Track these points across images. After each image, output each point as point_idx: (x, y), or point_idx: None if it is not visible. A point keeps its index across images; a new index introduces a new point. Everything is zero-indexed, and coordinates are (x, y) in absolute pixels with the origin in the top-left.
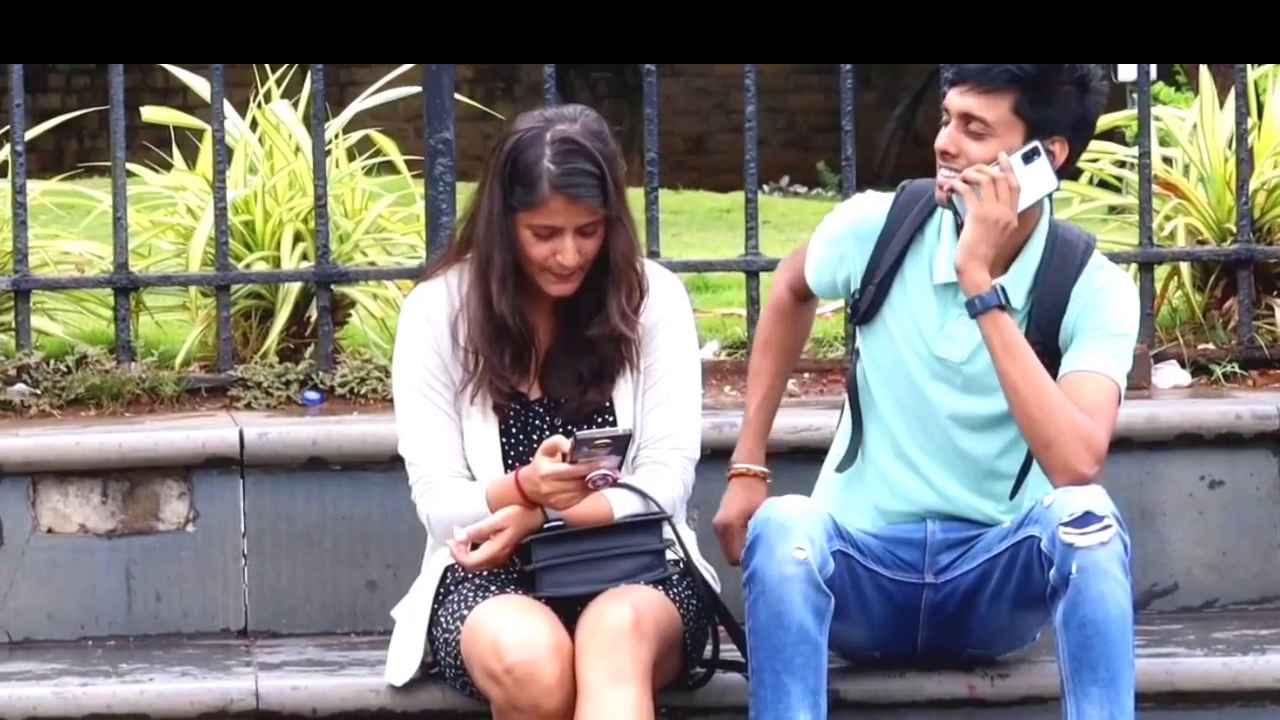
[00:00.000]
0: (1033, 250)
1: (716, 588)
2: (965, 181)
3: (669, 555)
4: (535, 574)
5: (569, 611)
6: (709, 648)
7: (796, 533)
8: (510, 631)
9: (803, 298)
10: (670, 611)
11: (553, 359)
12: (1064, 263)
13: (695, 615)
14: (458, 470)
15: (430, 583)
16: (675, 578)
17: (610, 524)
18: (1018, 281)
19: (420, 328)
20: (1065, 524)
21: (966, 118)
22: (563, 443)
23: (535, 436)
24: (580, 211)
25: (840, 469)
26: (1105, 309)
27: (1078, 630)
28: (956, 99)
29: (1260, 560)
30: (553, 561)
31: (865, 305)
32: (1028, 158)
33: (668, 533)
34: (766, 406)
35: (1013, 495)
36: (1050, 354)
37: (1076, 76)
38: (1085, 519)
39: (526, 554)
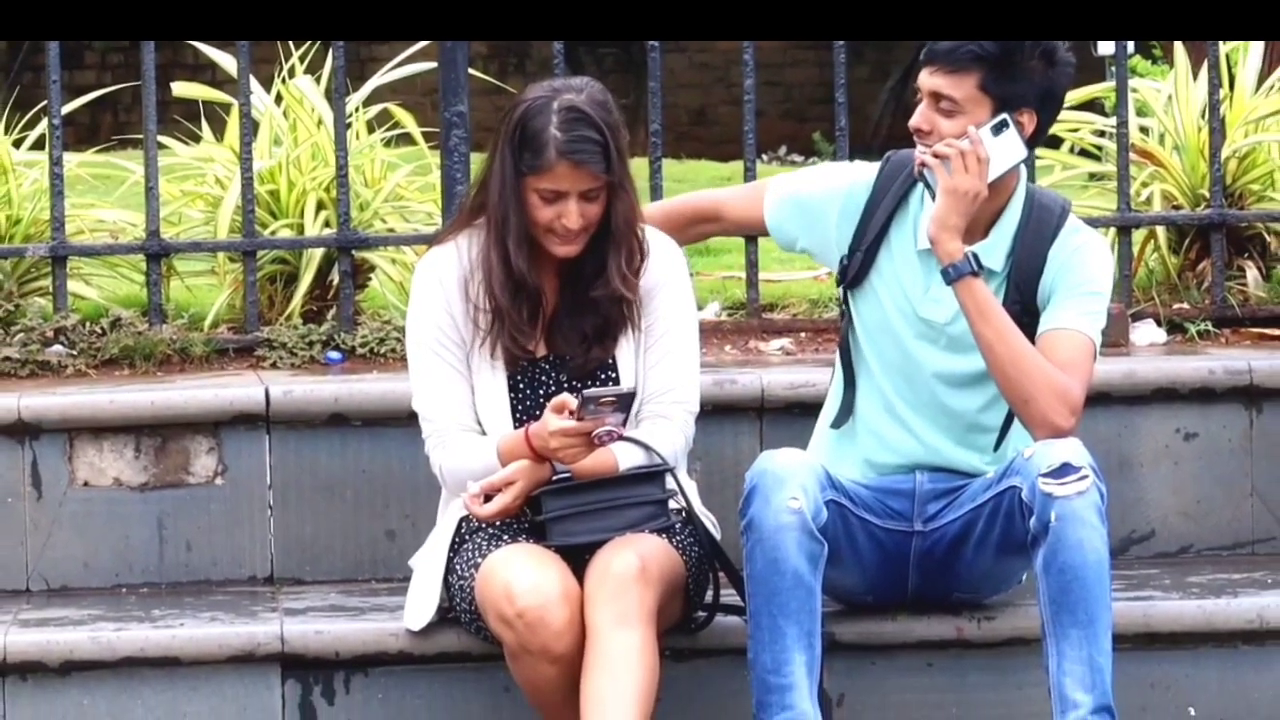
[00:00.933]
0: (1010, 215)
1: (717, 535)
2: (936, 156)
3: (672, 505)
4: (546, 524)
5: (577, 559)
6: (710, 593)
7: (791, 484)
8: (522, 578)
9: (711, 220)
10: (674, 558)
11: (558, 319)
12: (1041, 226)
13: (697, 561)
14: (469, 425)
15: (446, 533)
16: (678, 526)
17: (616, 476)
18: (997, 245)
19: (433, 289)
20: (1044, 475)
21: (936, 96)
22: (570, 400)
23: (542, 392)
24: (584, 177)
25: (835, 425)
26: (1080, 269)
27: (1057, 575)
28: (927, 79)
29: (1232, 508)
30: (562, 512)
31: (854, 271)
32: (996, 130)
33: (670, 483)
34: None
35: (996, 447)
36: (1029, 313)
37: (1041, 51)
38: (1063, 470)
39: (537, 505)
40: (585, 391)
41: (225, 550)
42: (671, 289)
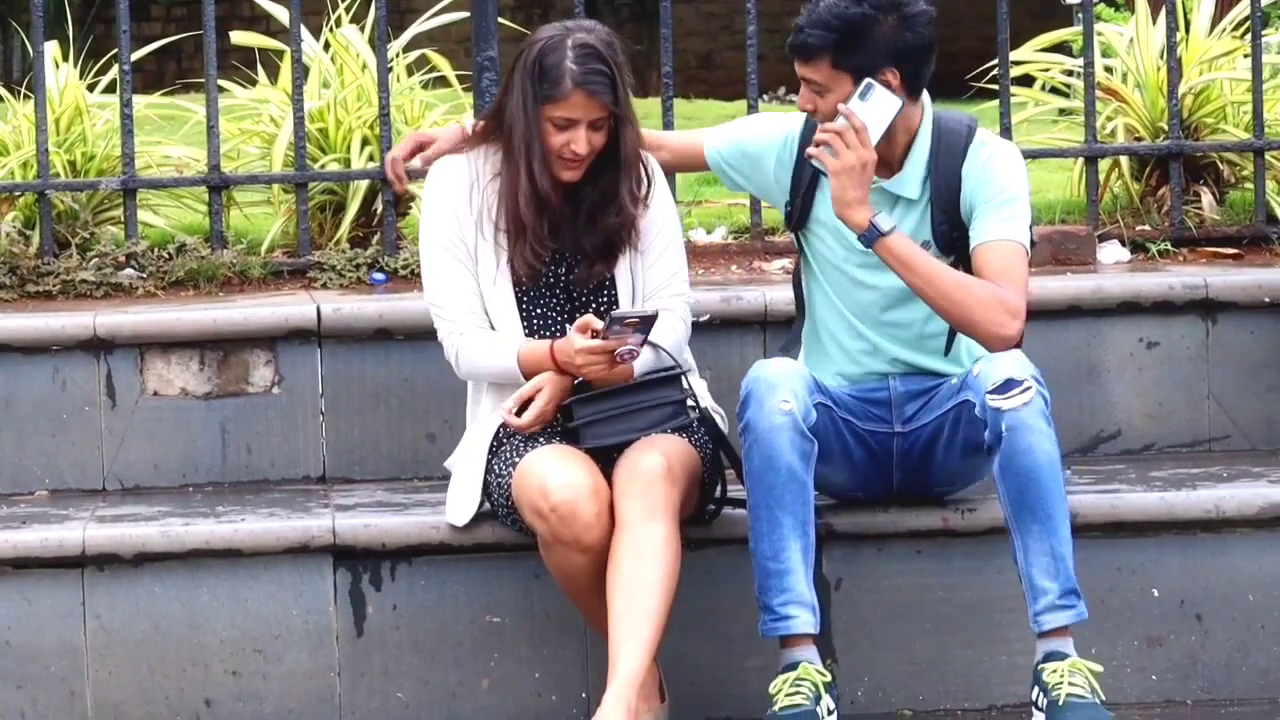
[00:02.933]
0: (920, 146)
1: (724, 428)
2: (816, 144)
3: (689, 404)
4: (578, 430)
5: (605, 459)
6: (720, 490)
7: (782, 388)
8: (556, 475)
9: (655, 149)
10: (693, 455)
11: (560, 238)
12: (950, 149)
13: (711, 457)
14: (482, 318)
15: (484, 435)
16: (694, 424)
17: (637, 381)
18: (911, 175)
19: (446, 189)
20: (990, 392)
21: (806, 81)
22: (594, 321)
23: (546, 300)
24: (594, 106)
25: (783, 351)
26: (993, 179)
27: (1014, 479)
28: (797, 67)
29: (1191, 410)
30: (592, 417)
31: (797, 214)
32: (864, 95)
33: (685, 385)
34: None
35: (947, 352)
36: (957, 228)
37: (885, 10)
38: (1007, 385)
39: (568, 412)
40: (612, 313)
41: (282, 453)
42: (656, 198)
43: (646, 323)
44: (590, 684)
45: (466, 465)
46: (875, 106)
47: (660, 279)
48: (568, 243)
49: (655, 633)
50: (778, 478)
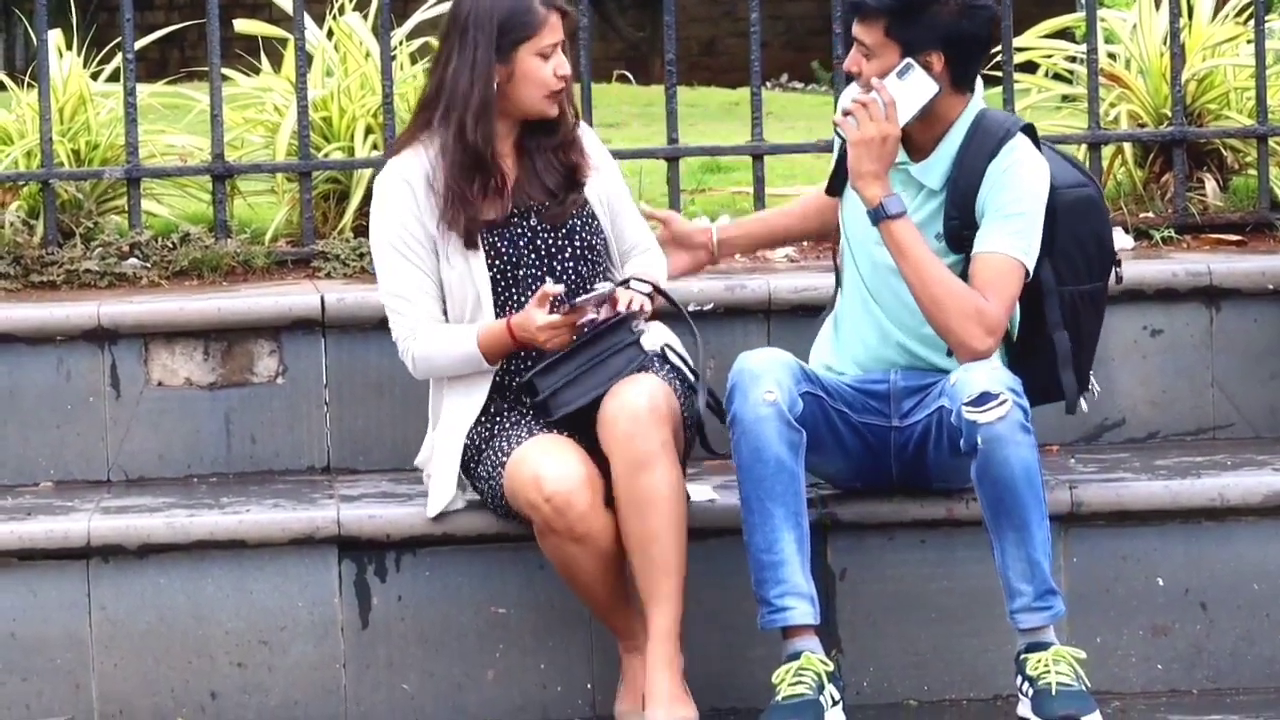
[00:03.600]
0: (953, 138)
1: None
2: (844, 113)
3: (645, 345)
4: (544, 402)
5: (587, 425)
6: (700, 405)
7: (766, 379)
8: (549, 466)
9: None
10: (667, 389)
11: (520, 181)
12: (980, 147)
13: (682, 391)
14: (438, 318)
15: (459, 429)
16: (656, 363)
17: (586, 337)
18: (935, 165)
19: (399, 189)
20: (966, 404)
21: (857, 42)
22: (553, 289)
23: (520, 244)
24: (565, 22)
25: (824, 315)
26: (1007, 190)
27: (991, 487)
28: (854, 27)
29: (1194, 397)
30: (555, 386)
31: (835, 180)
32: (902, 73)
33: (639, 324)
34: (769, 219)
35: (950, 352)
36: (968, 227)
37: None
38: (982, 399)
39: (531, 388)
40: (575, 300)
41: (286, 443)
42: (609, 163)
43: (603, 299)
44: (595, 674)
45: (440, 460)
46: (911, 86)
47: (632, 238)
48: (533, 191)
49: (677, 584)
50: (766, 469)
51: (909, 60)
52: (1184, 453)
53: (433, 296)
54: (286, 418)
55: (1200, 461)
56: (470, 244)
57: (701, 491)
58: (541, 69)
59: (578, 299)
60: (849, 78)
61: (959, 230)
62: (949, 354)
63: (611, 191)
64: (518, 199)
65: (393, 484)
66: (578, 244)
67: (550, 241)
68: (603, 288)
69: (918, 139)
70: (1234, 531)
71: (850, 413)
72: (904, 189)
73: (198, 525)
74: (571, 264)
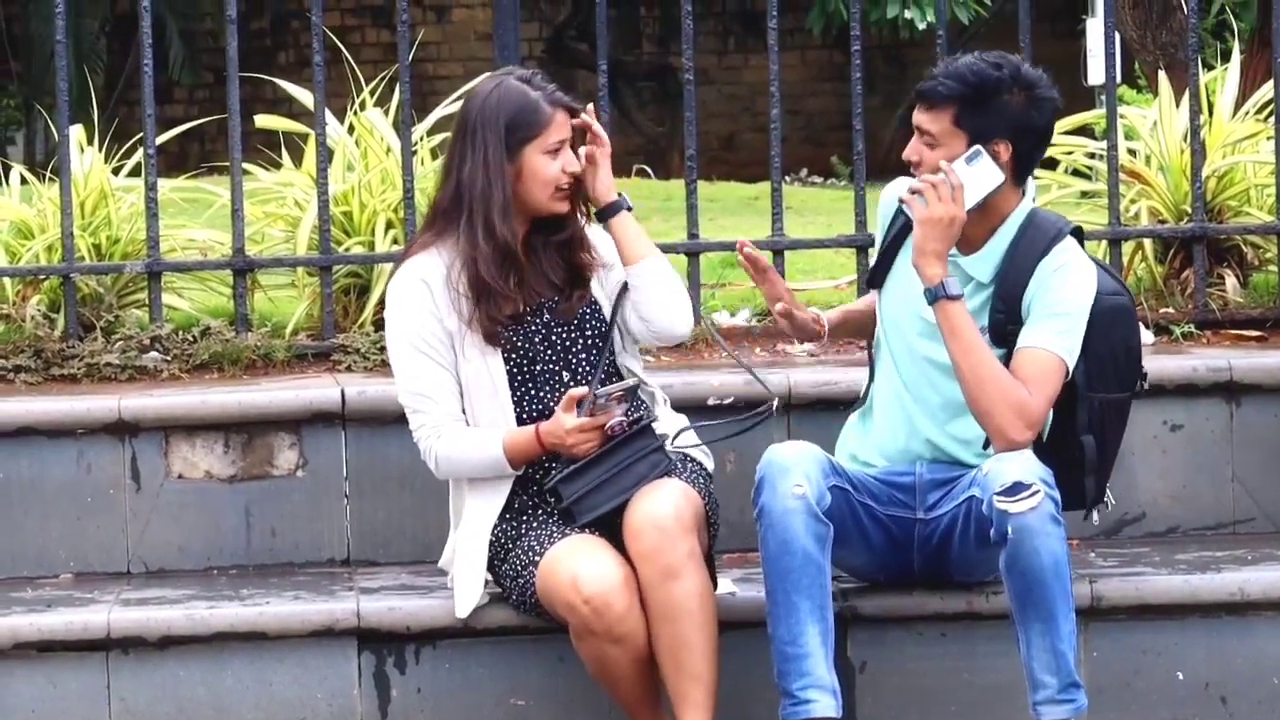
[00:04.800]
0: (1005, 233)
1: (710, 467)
2: (912, 191)
3: (669, 448)
4: (570, 509)
5: (611, 529)
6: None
7: (795, 472)
8: (587, 567)
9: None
10: (691, 493)
11: (527, 280)
12: (1031, 246)
13: (705, 487)
14: (457, 415)
15: (483, 529)
16: (679, 463)
17: (612, 444)
18: (988, 259)
19: (417, 290)
20: (998, 493)
21: (920, 130)
22: (578, 393)
23: (535, 339)
24: (568, 122)
25: (855, 408)
26: (1055, 290)
27: (1019, 578)
28: (915, 115)
29: (1215, 492)
30: (580, 492)
31: (878, 271)
32: (970, 160)
33: (659, 429)
34: (850, 313)
35: (986, 445)
36: (1014, 322)
37: (1019, 86)
38: (1015, 488)
39: (556, 494)
40: (596, 390)
41: (306, 535)
42: (617, 260)
43: (630, 394)
44: None
45: (466, 561)
46: (978, 173)
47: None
48: (540, 288)
49: (708, 690)
50: (794, 561)
51: (978, 148)
52: (1204, 547)
53: (454, 394)
54: (307, 510)
55: (1220, 556)
56: (491, 340)
57: (723, 585)
58: (548, 167)
59: (599, 390)
60: (907, 167)
61: (1004, 325)
62: (986, 446)
63: (610, 272)
64: (528, 297)
65: (413, 576)
66: (589, 334)
67: (564, 335)
68: (629, 381)
69: (970, 232)
70: (1254, 626)
71: (875, 505)
72: (959, 277)
73: (218, 617)
74: (584, 355)
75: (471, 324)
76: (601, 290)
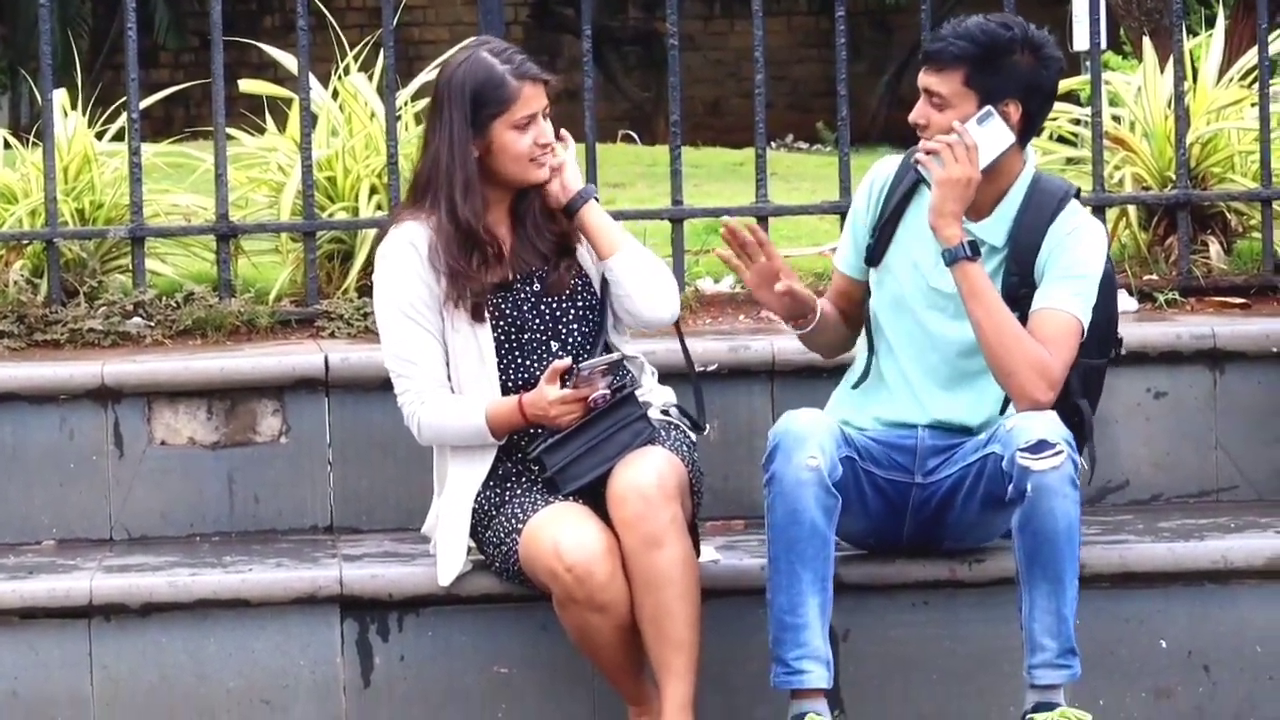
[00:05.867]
0: (1013, 197)
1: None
2: (927, 152)
3: (652, 415)
4: (553, 478)
5: (595, 498)
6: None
7: (810, 443)
8: (568, 535)
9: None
10: (675, 462)
11: (516, 249)
12: (1040, 209)
13: (689, 456)
14: (442, 382)
15: (465, 497)
16: (663, 431)
17: (595, 413)
18: (998, 224)
19: (405, 253)
20: (1022, 450)
21: (928, 93)
22: (564, 364)
23: (524, 308)
24: (540, 94)
25: (855, 386)
26: (1070, 251)
27: (1031, 537)
28: (921, 77)
29: (1198, 460)
30: (564, 461)
31: (877, 249)
32: (981, 120)
33: (642, 396)
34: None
35: (1003, 410)
36: (1027, 285)
37: (1027, 45)
38: (1039, 446)
39: (540, 465)
40: (580, 364)
41: (289, 502)
42: None
43: (615, 367)
44: None
45: (449, 528)
46: (989, 134)
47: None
48: (530, 257)
49: (690, 658)
50: (800, 531)
51: (989, 108)
52: (1187, 515)
53: (439, 360)
54: (290, 477)
55: (1203, 524)
56: (478, 317)
57: (706, 553)
58: (518, 141)
59: (584, 363)
60: (891, 135)
61: (1017, 289)
62: (1003, 410)
63: None
64: (517, 265)
65: (396, 543)
66: (580, 305)
67: (554, 305)
68: (613, 354)
69: (979, 197)
70: (1237, 594)
71: (876, 471)
72: None
73: (200, 584)
74: (576, 326)
75: (454, 302)
76: (590, 260)
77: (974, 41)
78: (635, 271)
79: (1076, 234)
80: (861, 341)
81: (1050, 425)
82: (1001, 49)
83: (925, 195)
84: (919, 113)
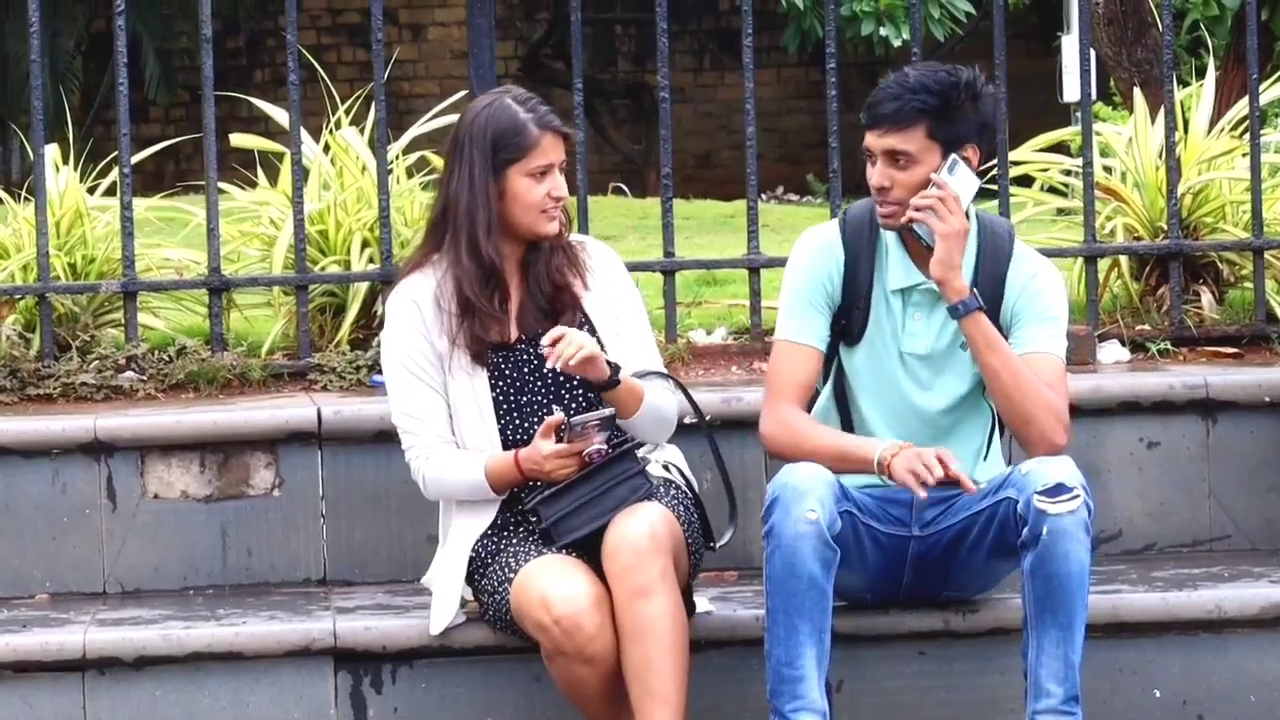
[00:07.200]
0: (970, 244)
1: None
2: (918, 209)
3: (651, 471)
4: (548, 530)
5: (591, 551)
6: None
7: (810, 497)
8: (557, 587)
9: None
10: (670, 518)
11: (524, 305)
12: (996, 252)
13: (685, 514)
14: (447, 438)
15: (463, 548)
16: (661, 489)
17: (593, 467)
18: (963, 274)
19: (408, 310)
20: (1039, 493)
21: (891, 154)
22: (559, 417)
23: (524, 370)
24: (559, 146)
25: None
26: (1041, 295)
27: (1044, 581)
28: (877, 140)
29: (1191, 509)
30: (559, 514)
31: (855, 329)
32: (951, 169)
33: (643, 453)
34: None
35: (987, 456)
36: (997, 329)
37: (971, 87)
38: (1057, 489)
39: (537, 515)
40: (572, 419)
41: (283, 555)
42: (617, 280)
43: (608, 421)
44: None
45: (445, 576)
46: (961, 182)
47: (637, 362)
48: (527, 309)
49: (674, 713)
50: (799, 584)
51: (954, 156)
52: (1180, 564)
53: (444, 417)
54: (283, 530)
55: (1197, 573)
56: (479, 360)
57: (700, 604)
58: (531, 190)
59: (576, 418)
60: (878, 192)
61: None
62: (986, 456)
63: (619, 310)
64: (524, 324)
65: (389, 596)
66: (578, 378)
67: (557, 370)
68: (606, 410)
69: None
70: (1231, 643)
71: (875, 525)
72: (932, 305)
73: (193, 637)
74: (581, 390)
75: (458, 342)
76: (595, 311)
77: (931, 94)
78: (644, 428)
79: (1039, 277)
80: (828, 410)
81: (1067, 469)
82: (957, 96)
83: (884, 260)
84: (883, 176)
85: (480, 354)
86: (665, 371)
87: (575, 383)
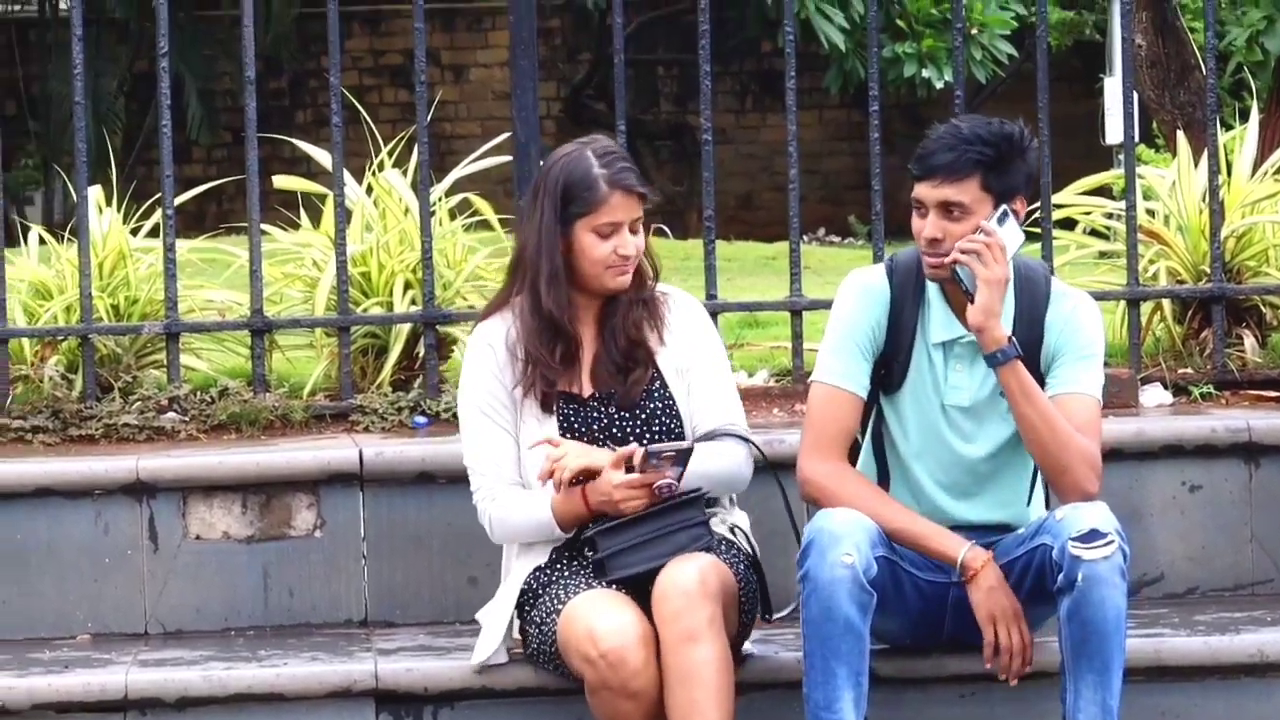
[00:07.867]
0: (1008, 295)
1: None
2: (963, 253)
3: (714, 526)
4: (603, 562)
5: (640, 591)
6: (761, 609)
7: (846, 541)
8: (603, 621)
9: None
10: (726, 571)
11: (599, 359)
12: (1033, 296)
13: (744, 575)
14: (515, 481)
15: (514, 585)
16: (722, 545)
17: (658, 508)
18: (1003, 320)
19: (484, 353)
20: (1074, 539)
21: (945, 206)
22: (626, 453)
23: (594, 427)
24: (632, 204)
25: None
26: (1079, 333)
27: (1080, 627)
28: (930, 191)
29: (1234, 553)
30: (616, 548)
31: (894, 378)
32: (1000, 220)
33: (709, 508)
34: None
35: (1029, 502)
36: (1035, 373)
37: (1019, 141)
38: (1091, 535)
39: (593, 545)
40: (649, 447)
41: (324, 596)
42: (698, 334)
43: (683, 456)
44: None
45: (496, 610)
46: (1009, 234)
47: (715, 417)
48: (602, 365)
49: None
50: (835, 628)
51: (1005, 208)
52: (1223, 608)
53: (513, 460)
54: (324, 571)
55: (1239, 617)
56: (547, 408)
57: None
58: (597, 246)
59: (651, 447)
60: (930, 244)
61: None
62: (1028, 502)
63: (694, 364)
64: (597, 379)
65: (431, 637)
66: (656, 429)
67: (628, 425)
68: (681, 443)
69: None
70: (1274, 687)
71: (915, 571)
72: (973, 358)
73: (235, 678)
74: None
75: (526, 388)
76: (668, 365)
77: (986, 145)
78: (712, 488)
79: (1078, 313)
80: (867, 459)
81: (1101, 515)
82: (1009, 148)
83: (928, 312)
84: (935, 228)
85: (548, 402)
86: (739, 429)
87: (646, 441)
